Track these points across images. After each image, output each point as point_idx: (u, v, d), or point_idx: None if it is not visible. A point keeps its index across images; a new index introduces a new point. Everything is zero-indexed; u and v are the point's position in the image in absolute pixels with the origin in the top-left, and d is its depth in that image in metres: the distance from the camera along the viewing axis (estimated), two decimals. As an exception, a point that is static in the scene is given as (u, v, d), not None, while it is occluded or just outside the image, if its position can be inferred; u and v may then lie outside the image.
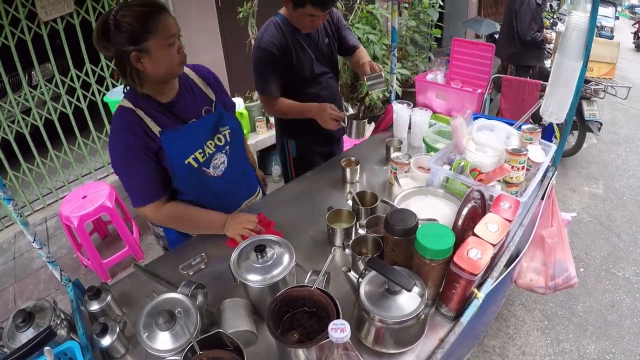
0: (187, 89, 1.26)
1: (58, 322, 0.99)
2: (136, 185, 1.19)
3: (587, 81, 3.34)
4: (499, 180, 1.32)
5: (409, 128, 1.92)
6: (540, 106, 1.57)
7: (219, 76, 1.39)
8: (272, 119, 3.32)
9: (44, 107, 3.12)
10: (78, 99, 3.25)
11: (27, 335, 0.93)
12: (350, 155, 1.78)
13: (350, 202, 1.38)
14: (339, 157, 1.83)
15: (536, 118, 1.92)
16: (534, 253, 1.73)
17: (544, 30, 3.94)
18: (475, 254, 0.94)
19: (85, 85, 3.27)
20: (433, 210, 1.25)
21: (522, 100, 3.00)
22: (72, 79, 3.15)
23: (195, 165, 1.23)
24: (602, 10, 8.53)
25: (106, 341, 0.95)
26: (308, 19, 1.54)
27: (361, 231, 1.25)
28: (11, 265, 2.83)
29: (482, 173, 1.31)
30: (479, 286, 1.06)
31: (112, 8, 1.04)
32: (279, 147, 2.06)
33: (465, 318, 1.01)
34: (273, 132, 3.17)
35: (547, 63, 4.10)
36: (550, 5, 7.00)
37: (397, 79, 4.06)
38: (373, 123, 1.95)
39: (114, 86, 3.38)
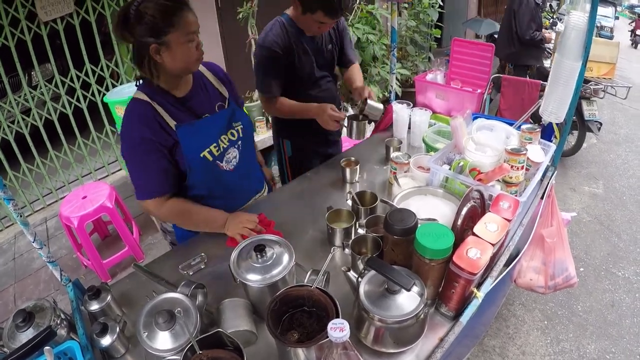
0: (200, 86, 1.28)
1: (58, 322, 0.99)
2: (144, 179, 1.20)
3: (586, 81, 3.34)
4: (498, 180, 1.32)
5: (409, 128, 1.92)
6: (539, 106, 1.57)
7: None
8: (271, 119, 3.32)
9: (43, 108, 3.13)
10: (78, 99, 3.25)
11: (27, 335, 0.93)
12: (350, 155, 1.78)
13: (349, 202, 1.38)
14: (339, 157, 1.83)
15: (536, 118, 1.93)
16: (533, 252, 1.73)
17: (543, 29, 3.94)
18: (474, 254, 0.94)
19: (85, 86, 3.27)
20: (432, 210, 1.25)
21: (522, 100, 3.00)
22: (72, 79, 3.15)
23: (210, 158, 1.25)
24: (602, 10, 8.54)
25: (106, 341, 0.95)
26: (316, 24, 1.54)
27: (361, 231, 1.25)
28: (11, 265, 2.83)
29: (482, 173, 1.31)
30: (479, 286, 1.06)
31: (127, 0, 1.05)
32: (275, 147, 2.07)
33: (465, 317, 1.01)
34: (273, 132, 3.17)
35: (547, 63, 4.10)
36: (550, 5, 6.99)
37: (397, 79, 4.07)
38: (373, 123, 1.95)
39: (114, 86, 3.38)
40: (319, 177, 1.73)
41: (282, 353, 0.89)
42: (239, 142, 1.35)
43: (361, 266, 1.07)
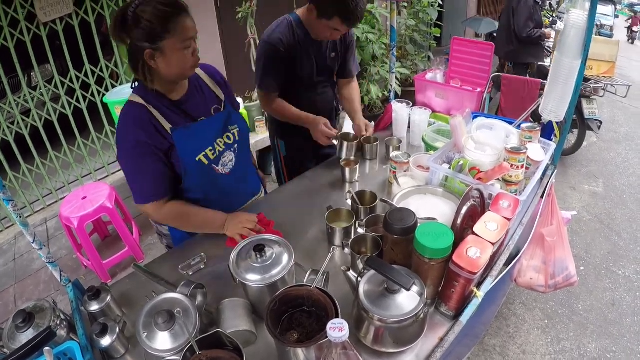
0: (196, 88, 1.27)
1: (58, 322, 0.99)
2: (141, 183, 1.19)
3: (586, 79, 3.33)
4: (498, 179, 1.32)
5: (409, 127, 1.92)
6: (539, 104, 1.57)
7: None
8: (267, 119, 3.32)
9: (43, 108, 3.12)
10: (77, 100, 3.25)
11: (27, 335, 0.93)
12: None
13: (349, 202, 1.38)
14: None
15: (536, 116, 1.93)
16: (534, 252, 1.73)
17: (543, 27, 3.94)
18: (474, 253, 0.94)
19: (85, 86, 3.27)
20: (432, 209, 1.25)
21: (522, 99, 3.00)
22: (71, 80, 3.15)
23: (206, 162, 1.24)
24: (602, 8, 8.53)
25: (106, 341, 0.95)
26: (329, 30, 1.52)
27: (360, 230, 1.25)
28: (11, 266, 2.83)
29: (482, 172, 1.31)
30: (479, 285, 1.06)
31: (127, 1, 1.03)
32: (272, 147, 2.07)
33: (465, 317, 1.01)
34: (272, 132, 3.17)
35: (547, 61, 4.09)
36: (550, 4, 6.98)
37: (397, 78, 4.06)
38: (373, 122, 1.95)
39: (113, 87, 3.38)
40: (318, 176, 1.73)
41: (282, 353, 0.89)
42: (235, 146, 1.34)
43: (361, 266, 1.07)
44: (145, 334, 0.86)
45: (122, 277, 1.30)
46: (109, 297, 1.05)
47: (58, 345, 0.94)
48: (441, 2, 4.60)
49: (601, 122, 3.53)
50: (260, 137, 3.35)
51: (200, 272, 1.24)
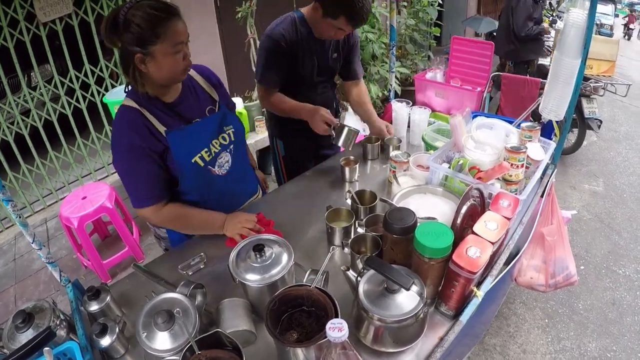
0: (190, 90, 1.26)
1: (57, 322, 0.99)
2: (138, 187, 1.19)
3: (586, 79, 3.33)
4: (498, 178, 1.32)
5: (408, 126, 1.92)
6: (539, 104, 1.57)
7: (218, 76, 1.39)
8: (265, 119, 3.32)
9: (43, 108, 3.12)
10: (77, 100, 3.25)
11: (26, 335, 0.93)
12: (349, 154, 1.78)
13: (349, 201, 1.38)
14: (338, 156, 1.82)
15: (536, 116, 1.92)
16: (534, 251, 1.73)
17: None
18: (474, 252, 0.94)
19: (85, 86, 3.27)
20: (432, 208, 1.25)
21: (522, 98, 3.00)
22: (71, 80, 3.15)
23: (202, 164, 1.24)
24: (602, 7, 8.54)
25: (105, 341, 0.95)
26: (334, 30, 1.51)
27: (360, 230, 1.25)
28: (11, 266, 2.83)
29: (481, 171, 1.31)
30: (479, 284, 1.06)
31: (126, 2, 1.02)
32: (270, 147, 2.06)
33: (465, 317, 1.01)
34: (272, 132, 3.17)
35: (547, 60, 4.09)
36: (550, 3, 6.98)
37: (396, 78, 4.06)
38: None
39: (113, 87, 3.38)
40: (318, 176, 1.73)
41: (281, 353, 0.89)
42: (231, 146, 1.33)
43: (360, 265, 1.07)
44: (145, 334, 0.86)
45: (122, 277, 1.30)
46: (108, 297, 1.05)
47: (58, 345, 0.94)
48: (441, 2, 4.60)
49: (601, 121, 3.52)
50: (260, 136, 3.35)
51: (199, 272, 1.24)
